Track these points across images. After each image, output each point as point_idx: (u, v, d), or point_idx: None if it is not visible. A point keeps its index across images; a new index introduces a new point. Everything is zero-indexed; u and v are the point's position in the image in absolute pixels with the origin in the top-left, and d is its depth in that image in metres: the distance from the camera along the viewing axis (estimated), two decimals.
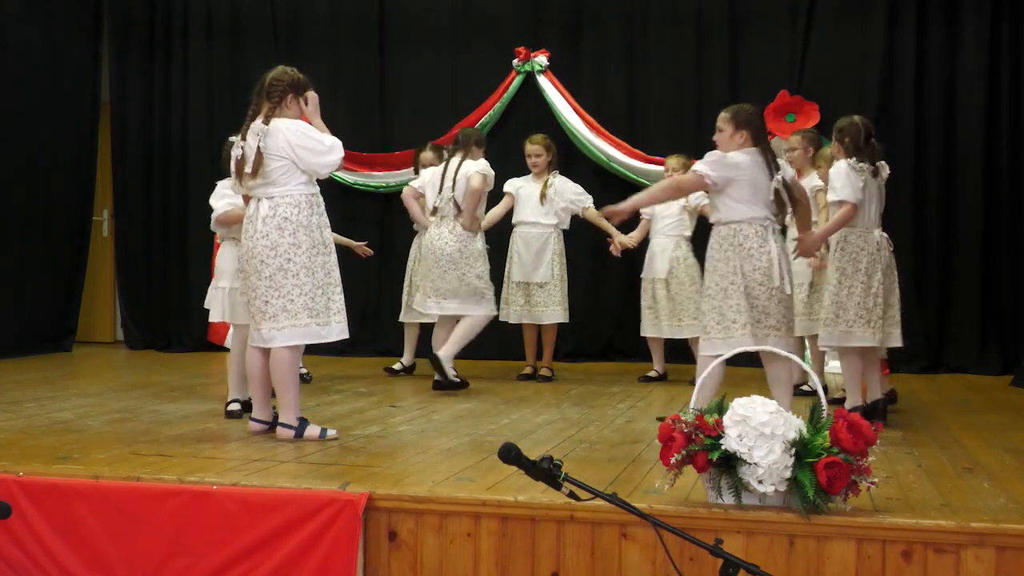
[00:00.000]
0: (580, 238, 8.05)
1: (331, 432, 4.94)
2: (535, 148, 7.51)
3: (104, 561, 3.93)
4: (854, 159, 5.51)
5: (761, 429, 3.41)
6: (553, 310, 7.43)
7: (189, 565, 3.85)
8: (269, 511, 3.81)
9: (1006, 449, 4.84)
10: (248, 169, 4.82)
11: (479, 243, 6.85)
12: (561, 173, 7.68)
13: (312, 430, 4.90)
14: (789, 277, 5.05)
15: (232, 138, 5.11)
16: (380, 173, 8.95)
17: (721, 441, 3.46)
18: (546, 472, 2.98)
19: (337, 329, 4.90)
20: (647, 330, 7.46)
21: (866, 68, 8.33)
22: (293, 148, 4.81)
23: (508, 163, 8.16)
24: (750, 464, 3.42)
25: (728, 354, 4.09)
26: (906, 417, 5.85)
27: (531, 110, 8.87)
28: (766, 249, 4.95)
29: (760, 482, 3.43)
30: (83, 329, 9.62)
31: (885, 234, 5.80)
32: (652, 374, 7.47)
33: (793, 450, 3.44)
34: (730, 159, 5.01)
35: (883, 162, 5.82)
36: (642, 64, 8.76)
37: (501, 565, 3.71)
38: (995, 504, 3.70)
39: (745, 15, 8.58)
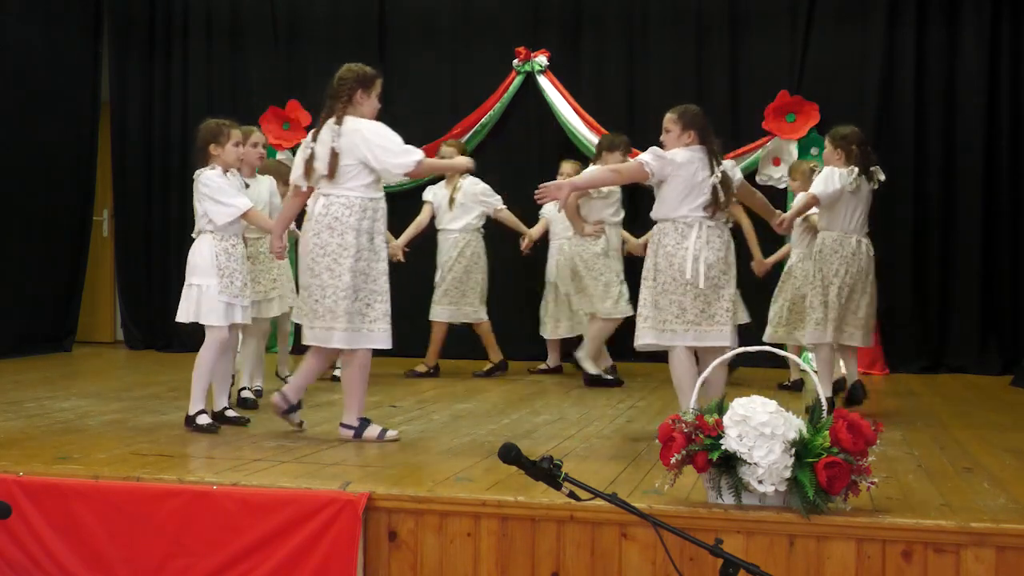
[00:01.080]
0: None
1: (391, 433, 4.94)
2: (449, 151, 7.44)
3: (104, 561, 3.93)
4: (851, 167, 5.79)
5: (761, 429, 3.41)
6: (464, 310, 7.58)
7: (189, 565, 3.85)
8: (269, 511, 3.81)
9: (1006, 449, 4.84)
10: (324, 171, 4.81)
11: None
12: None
13: (372, 430, 4.87)
14: (719, 271, 5.03)
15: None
16: None
17: (721, 441, 3.46)
18: (546, 472, 2.98)
19: (380, 337, 4.88)
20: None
21: (866, 68, 8.33)
22: (370, 147, 4.84)
23: (508, 163, 8.17)
24: (750, 464, 3.42)
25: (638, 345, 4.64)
26: (906, 417, 5.85)
27: (531, 110, 8.87)
28: (684, 245, 4.98)
29: (760, 482, 3.43)
30: (83, 329, 9.62)
31: (866, 240, 5.94)
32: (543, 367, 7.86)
33: (793, 450, 3.44)
34: (671, 155, 5.05)
35: (877, 167, 5.98)
36: (642, 64, 8.76)
37: (501, 565, 3.71)
38: (995, 504, 3.70)
39: (745, 15, 8.58)
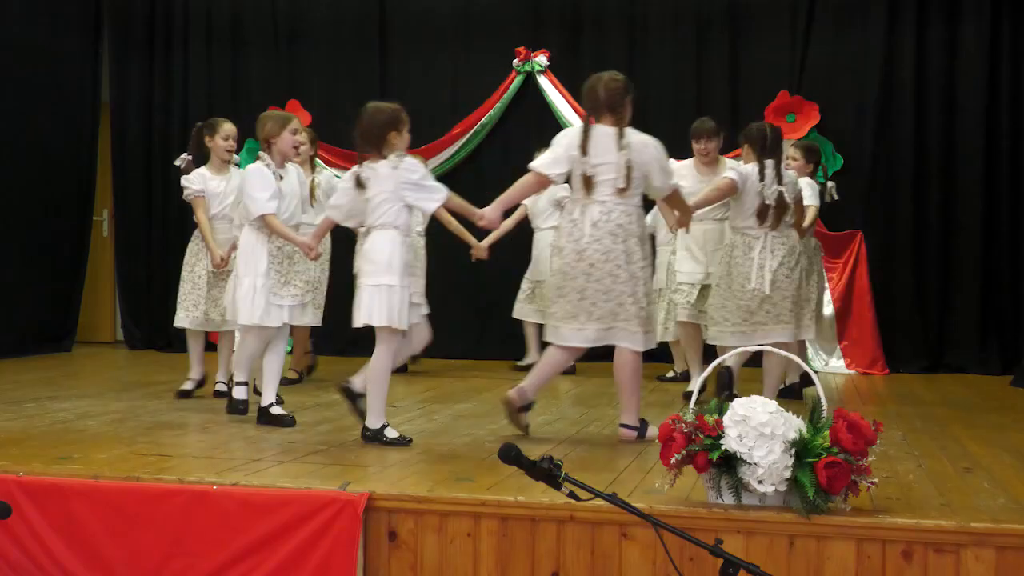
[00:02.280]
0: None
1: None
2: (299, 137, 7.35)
3: (104, 561, 3.93)
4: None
5: (761, 429, 3.41)
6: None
7: (189, 565, 3.85)
8: (269, 511, 3.81)
9: (1006, 449, 4.84)
10: (621, 183, 4.84)
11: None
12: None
13: (653, 431, 4.77)
14: (782, 276, 5.63)
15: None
16: None
17: (721, 441, 3.46)
18: (546, 472, 2.98)
19: (650, 338, 4.97)
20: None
21: (866, 68, 8.33)
22: (659, 164, 4.98)
23: (508, 163, 8.16)
24: (750, 464, 3.42)
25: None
26: (906, 417, 5.85)
27: (531, 110, 8.87)
28: (750, 256, 5.69)
29: (760, 482, 3.43)
30: (83, 329, 9.61)
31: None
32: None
33: (793, 450, 3.44)
34: (746, 170, 5.76)
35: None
36: (642, 64, 8.75)
37: (501, 565, 3.71)
38: (995, 504, 3.70)
39: (745, 15, 8.58)
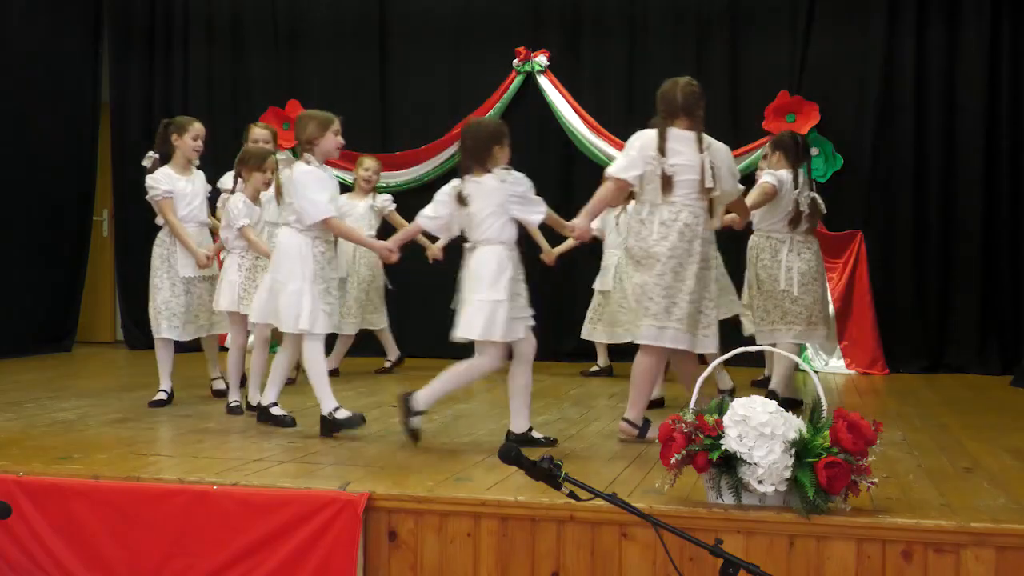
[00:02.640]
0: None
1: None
2: (263, 133, 7.01)
3: (104, 561, 3.93)
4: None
5: (761, 429, 3.41)
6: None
7: (189, 565, 3.85)
8: (269, 511, 3.81)
9: (1006, 449, 4.84)
10: (709, 183, 4.92)
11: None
12: (560, 174, 7.67)
13: (653, 432, 4.79)
14: (811, 279, 6.00)
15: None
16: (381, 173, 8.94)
17: (721, 441, 3.46)
18: (546, 472, 2.98)
19: (707, 342, 4.97)
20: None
21: (866, 68, 8.33)
22: (729, 168, 5.10)
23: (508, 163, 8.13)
24: (750, 464, 3.42)
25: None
26: (906, 417, 5.85)
27: (531, 110, 8.86)
28: (778, 258, 6.09)
29: (760, 482, 3.43)
30: (83, 329, 9.62)
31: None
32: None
33: (793, 450, 3.44)
34: (781, 175, 6.02)
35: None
36: (642, 64, 8.75)
37: (501, 565, 3.71)
38: (995, 504, 3.70)
39: (745, 15, 8.58)
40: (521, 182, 4.87)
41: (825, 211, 6.39)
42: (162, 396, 6.03)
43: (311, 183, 5.08)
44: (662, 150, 4.93)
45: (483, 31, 9.02)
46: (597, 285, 7.55)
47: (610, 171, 5.09)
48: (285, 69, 9.35)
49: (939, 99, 8.25)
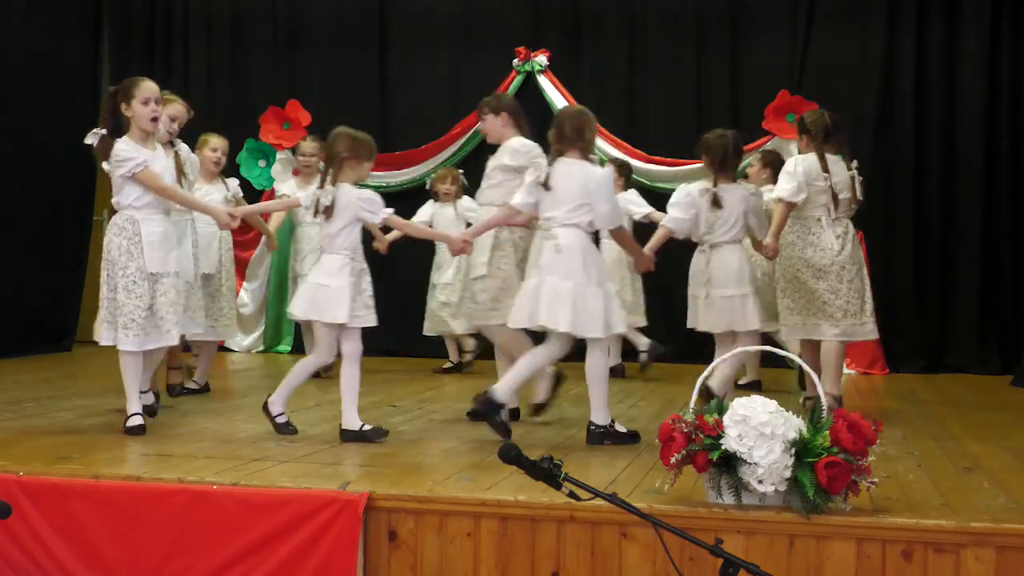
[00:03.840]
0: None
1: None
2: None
3: (104, 561, 3.93)
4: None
5: (761, 429, 3.41)
6: None
7: (189, 565, 3.85)
8: (269, 511, 3.81)
9: (1006, 449, 4.84)
10: (860, 195, 5.73)
11: None
12: None
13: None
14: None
15: None
16: (380, 173, 8.92)
17: (721, 441, 3.46)
18: (546, 472, 2.98)
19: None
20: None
21: (866, 68, 8.35)
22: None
23: None
24: (750, 464, 3.42)
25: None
26: (906, 417, 5.85)
27: (531, 110, 8.84)
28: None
29: (760, 482, 3.43)
30: (83, 329, 9.59)
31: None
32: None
33: (793, 450, 3.44)
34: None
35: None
36: (642, 64, 8.77)
37: (501, 565, 3.71)
38: (995, 504, 3.70)
39: (745, 15, 8.59)
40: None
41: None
42: (137, 420, 4.93)
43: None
44: (826, 169, 5.60)
45: (483, 31, 9.02)
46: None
47: (783, 196, 5.61)
48: (285, 69, 9.36)
49: (939, 99, 8.27)
